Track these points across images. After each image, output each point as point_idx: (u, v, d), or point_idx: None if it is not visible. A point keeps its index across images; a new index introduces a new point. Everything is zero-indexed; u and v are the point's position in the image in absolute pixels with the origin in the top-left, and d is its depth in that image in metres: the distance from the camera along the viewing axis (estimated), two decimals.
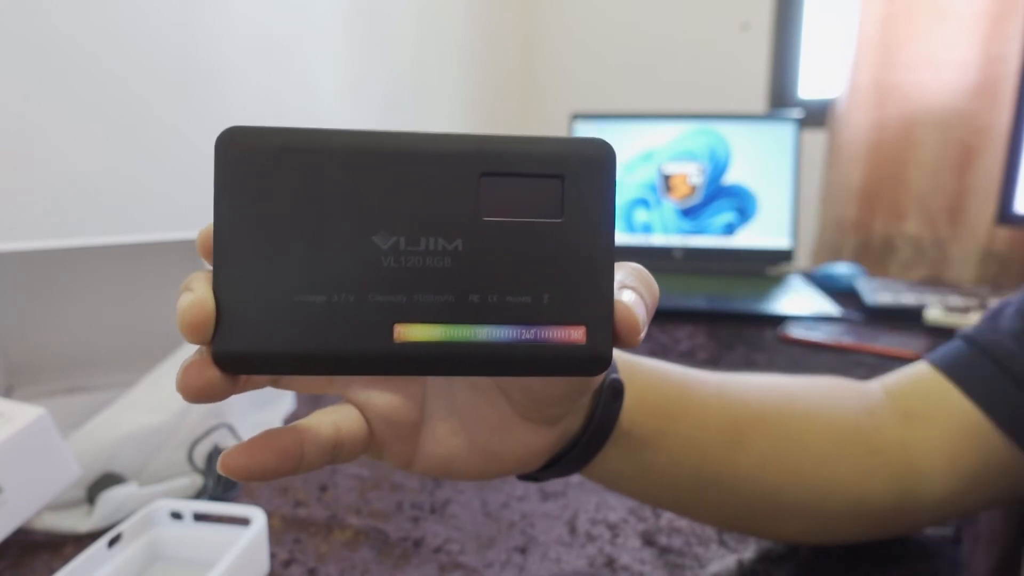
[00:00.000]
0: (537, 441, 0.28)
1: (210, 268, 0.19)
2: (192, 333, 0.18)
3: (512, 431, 0.28)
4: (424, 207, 0.19)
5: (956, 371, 0.39)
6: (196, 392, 0.19)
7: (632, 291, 0.21)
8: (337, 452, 0.24)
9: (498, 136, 0.20)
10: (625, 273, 0.22)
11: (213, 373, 0.19)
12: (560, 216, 0.20)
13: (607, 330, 0.20)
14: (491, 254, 0.19)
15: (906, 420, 0.38)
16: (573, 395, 0.26)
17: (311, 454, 0.23)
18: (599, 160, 0.20)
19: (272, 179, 0.19)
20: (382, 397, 0.26)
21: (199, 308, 0.18)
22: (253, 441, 0.22)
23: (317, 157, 0.19)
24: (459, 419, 0.27)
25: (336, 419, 0.25)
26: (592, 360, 0.20)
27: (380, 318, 0.19)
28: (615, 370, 0.31)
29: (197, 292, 0.19)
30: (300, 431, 0.23)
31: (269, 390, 0.27)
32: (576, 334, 0.20)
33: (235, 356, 0.19)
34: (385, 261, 0.19)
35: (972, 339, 0.40)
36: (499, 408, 0.27)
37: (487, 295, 0.19)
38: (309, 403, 0.61)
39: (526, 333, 0.20)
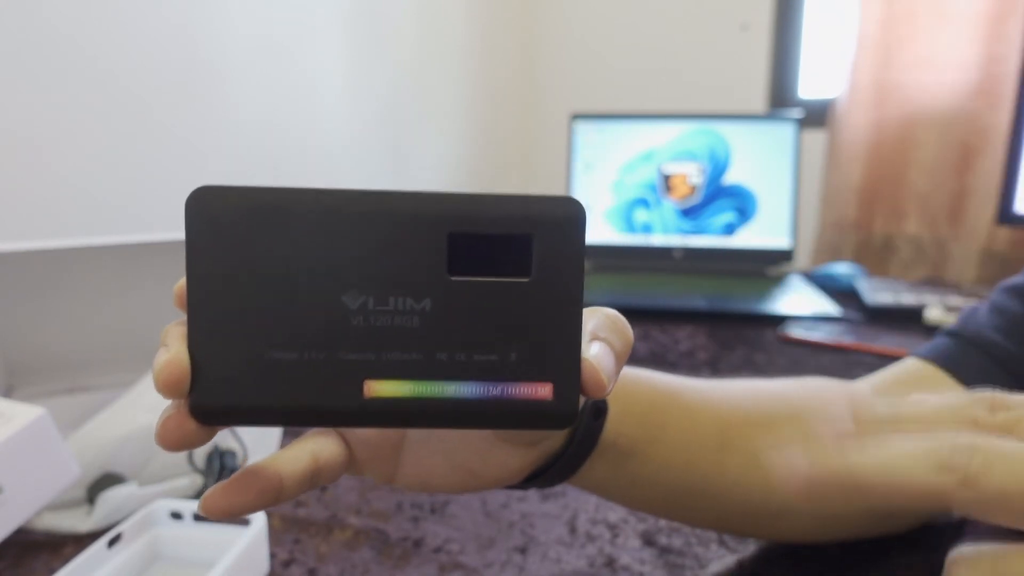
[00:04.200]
0: (517, 461, 0.29)
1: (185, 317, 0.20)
2: (168, 391, 0.19)
3: (492, 452, 0.28)
4: (393, 267, 0.19)
5: (947, 361, 0.40)
6: (175, 443, 0.20)
7: (602, 343, 0.21)
8: (316, 479, 0.25)
9: (467, 194, 0.20)
10: (597, 321, 0.22)
11: (191, 426, 0.20)
12: (528, 275, 0.20)
13: (574, 387, 0.20)
14: (459, 313, 0.20)
15: None
16: None
17: (289, 486, 0.24)
18: (569, 219, 0.20)
19: (243, 239, 0.19)
20: None
21: (174, 367, 0.19)
22: (232, 482, 0.23)
23: (287, 217, 0.19)
24: (439, 440, 0.28)
25: (314, 447, 0.25)
26: (558, 416, 0.20)
27: (350, 375, 0.20)
28: None
29: (172, 350, 0.19)
30: (278, 466, 0.24)
31: None
32: (543, 391, 0.20)
33: (210, 410, 0.20)
34: (354, 320, 0.20)
35: (956, 333, 0.41)
36: (479, 430, 0.28)
37: (454, 353, 0.20)
38: None
39: (493, 389, 0.20)
